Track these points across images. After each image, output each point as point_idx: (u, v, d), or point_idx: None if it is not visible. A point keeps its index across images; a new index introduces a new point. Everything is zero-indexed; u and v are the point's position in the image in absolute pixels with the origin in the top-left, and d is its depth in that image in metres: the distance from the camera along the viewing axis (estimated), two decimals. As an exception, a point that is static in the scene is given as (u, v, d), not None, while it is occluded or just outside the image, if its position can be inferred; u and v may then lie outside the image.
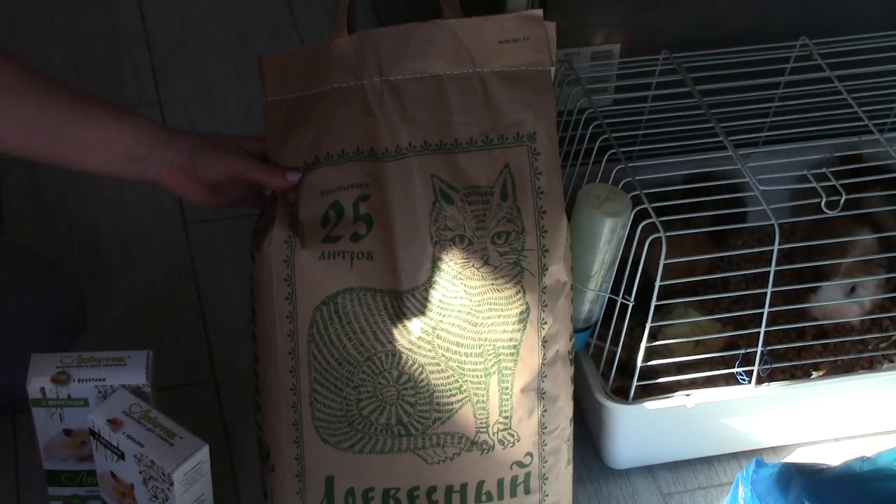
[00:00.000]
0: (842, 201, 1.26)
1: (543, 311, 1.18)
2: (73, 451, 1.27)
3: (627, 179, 1.29)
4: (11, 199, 1.69)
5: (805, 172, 1.31)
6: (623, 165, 1.33)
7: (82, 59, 1.92)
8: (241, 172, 1.18)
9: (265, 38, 1.99)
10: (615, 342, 1.32)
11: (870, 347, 1.45)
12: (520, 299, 1.17)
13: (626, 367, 1.33)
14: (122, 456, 1.20)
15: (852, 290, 1.41)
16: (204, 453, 1.20)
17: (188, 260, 1.63)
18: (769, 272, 1.29)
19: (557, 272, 1.17)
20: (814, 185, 1.28)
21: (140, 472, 1.20)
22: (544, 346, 1.18)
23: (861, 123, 1.42)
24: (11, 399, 1.40)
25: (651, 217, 1.26)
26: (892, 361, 1.44)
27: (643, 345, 1.29)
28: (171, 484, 1.17)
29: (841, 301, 1.40)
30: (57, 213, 1.68)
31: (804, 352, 1.46)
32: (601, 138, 1.36)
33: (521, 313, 1.17)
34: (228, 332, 1.53)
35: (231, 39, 1.99)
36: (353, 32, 1.18)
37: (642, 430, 1.35)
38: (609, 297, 1.32)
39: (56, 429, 1.25)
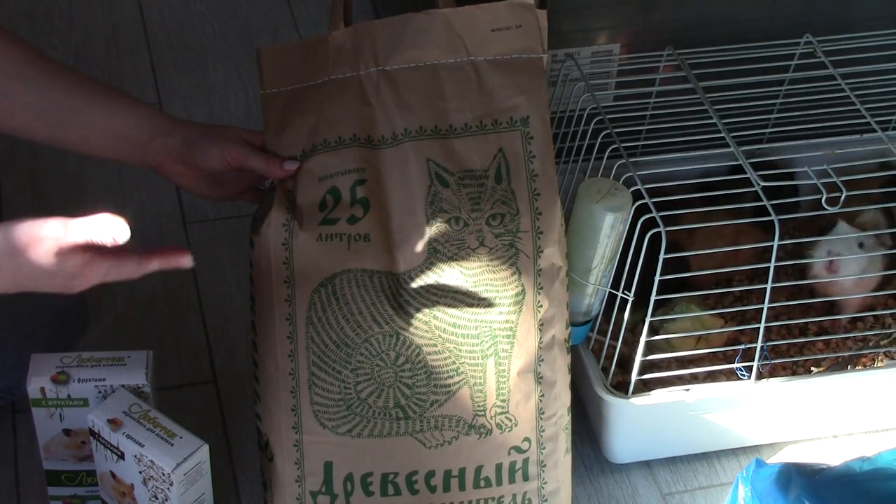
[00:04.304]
0: (842, 198, 1.26)
1: (539, 293, 1.18)
2: (73, 451, 1.27)
3: (629, 174, 1.29)
4: (11, 199, 1.69)
5: (806, 169, 1.30)
6: (624, 161, 1.33)
7: (82, 59, 1.92)
8: (240, 161, 1.19)
9: (265, 38, 1.99)
10: (615, 337, 1.32)
11: (870, 344, 1.45)
12: (515, 281, 1.18)
13: (627, 361, 1.33)
14: (121, 456, 1.20)
15: (838, 253, 1.40)
16: (204, 453, 1.19)
17: (188, 260, 1.63)
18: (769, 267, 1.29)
19: (552, 255, 1.18)
20: (815, 181, 1.27)
21: (140, 472, 1.20)
22: (541, 330, 1.19)
23: (864, 121, 1.42)
24: (11, 399, 1.39)
25: (663, 211, 1.26)
26: (892, 358, 1.44)
27: (643, 339, 1.29)
28: (171, 484, 1.17)
29: (841, 257, 1.39)
30: (57, 213, 1.67)
31: (805, 348, 1.46)
32: (603, 134, 1.37)
33: (517, 295, 1.18)
34: (228, 332, 1.53)
35: (231, 39, 1.99)
36: (349, 25, 1.20)
37: (642, 424, 1.35)
38: (613, 292, 1.32)
39: (56, 429, 1.25)
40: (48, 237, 1.02)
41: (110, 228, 1.02)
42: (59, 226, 1.03)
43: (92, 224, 1.02)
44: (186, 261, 1.08)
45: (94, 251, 1.04)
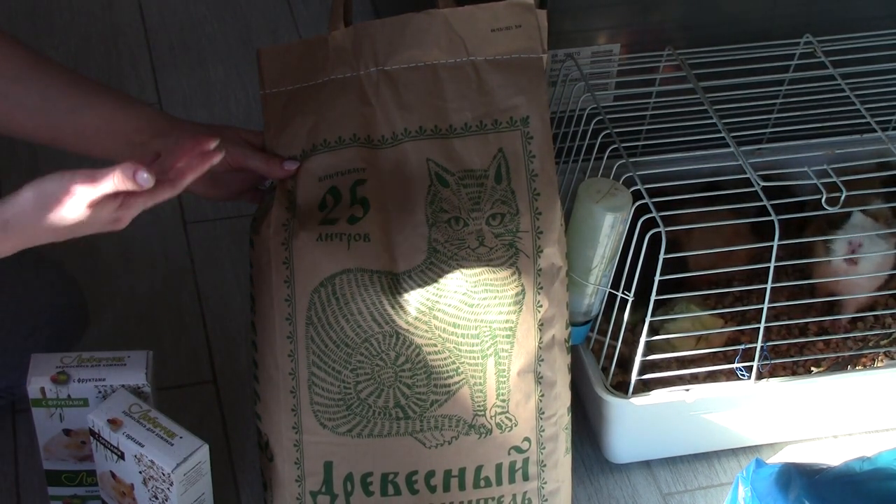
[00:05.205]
0: (842, 198, 1.26)
1: (539, 293, 1.18)
2: (73, 451, 1.27)
3: (629, 174, 1.29)
4: (11, 200, 1.69)
5: (806, 169, 1.30)
6: (624, 161, 1.33)
7: (82, 59, 1.92)
8: (241, 162, 1.19)
9: (265, 38, 1.99)
10: (615, 337, 1.33)
11: (870, 344, 1.45)
12: (515, 281, 1.18)
13: (627, 361, 1.33)
14: (122, 456, 1.20)
15: (860, 245, 1.39)
16: (204, 453, 1.19)
17: (188, 260, 1.63)
18: (769, 268, 1.29)
19: (552, 255, 1.18)
20: (814, 181, 1.27)
21: (140, 472, 1.20)
22: (540, 329, 1.19)
23: (864, 121, 1.42)
24: (11, 399, 1.39)
25: (665, 212, 1.27)
26: (892, 358, 1.44)
27: (643, 339, 1.29)
28: (171, 484, 1.17)
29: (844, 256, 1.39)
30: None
31: (805, 348, 1.46)
32: (603, 134, 1.37)
33: (517, 295, 1.18)
34: (228, 332, 1.53)
35: (231, 39, 1.99)
36: (349, 25, 1.20)
37: (642, 424, 1.35)
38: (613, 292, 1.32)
39: (56, 429, 1.25)
40: (78, 191, 1.04)
41: (134, 178, 1.04)
42: (88, 180, 1.04)
43: (118, 175, 1.04)
44: (214, 145, 1.09)
45: (126, 192, 1.06)
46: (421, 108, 1.19)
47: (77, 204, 1.04)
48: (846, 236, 1.39)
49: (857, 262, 1.39)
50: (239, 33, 2.00)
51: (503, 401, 1.21)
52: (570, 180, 1.44)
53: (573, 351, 1.32)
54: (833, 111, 1.47)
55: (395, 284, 1.17)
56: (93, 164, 1.71)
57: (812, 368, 1.43)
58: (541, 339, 1.20)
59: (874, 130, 1.42)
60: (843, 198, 1.26)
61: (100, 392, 1.22)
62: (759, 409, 1.38)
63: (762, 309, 1.31)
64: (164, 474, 1.17)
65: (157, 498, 1.21)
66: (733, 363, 1.37)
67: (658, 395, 1.33)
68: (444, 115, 1.19)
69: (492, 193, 1.18)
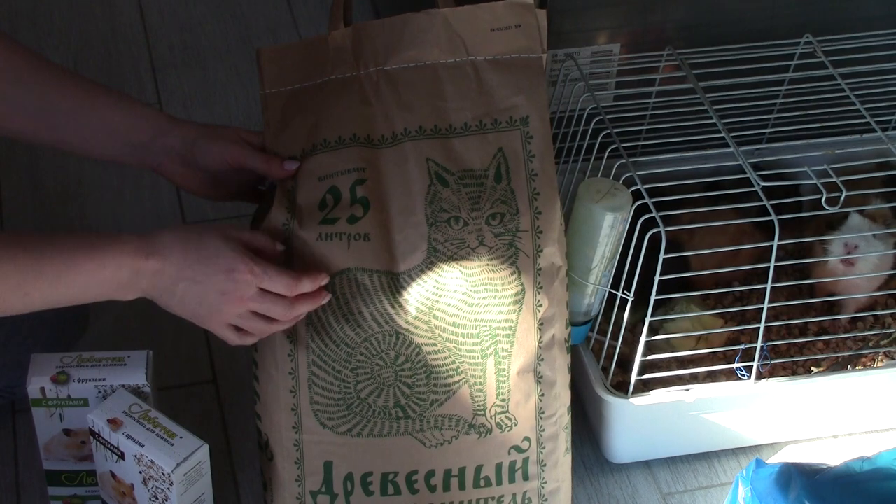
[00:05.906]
0: (842, 198, 1.26)
1: (539, 293, 1.18)
2: (73, 451, 1.27)
3: (629, 174, 1.29)
4: (11, 199, 1.69)
5: (806, 169, 1.30)
6: (624, 161, 1.34)
7: (82, 59, 1.92)
8: (241, 161, 1.19)
9: (265, 37, 1.99)
10: (615, 337, 1.33)
11: (870, 344, 1.45)
12: (515, 280, 1.18)
13: (627, 361, 1.33)
14: (121, 456, 1.20)
15: (856, 247, 1.39)
16: (204, 453, 1.19)
17: (188, 260, 1.62)
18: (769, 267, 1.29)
19: (552, 255, 1.18)
20: (814, 181, 1.27)
21: (140, 472, 1.20)
22: (540, 329, 1.19)
23: (864, 121, 1.42)
24: (11, 399, 1.39)
25: (665, 212, 1.27)
26: (892, 358, 1.44)
27: (643, 339, 1.29)
28: (171, 484, 1.17)
29: (840, 256, 1.39)
30: (57, 213, 1.67)
31: (805, 348, 1.46)
32: (603, 134, 1.37)
33: (517, 294, 1.18)
34: (228, 331, 1.53)
35: (231, 39, 1.99)
36: (349, 25, 1.20)
37: (642, 424, 1.35)
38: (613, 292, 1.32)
39: (56, 429, 1.25)
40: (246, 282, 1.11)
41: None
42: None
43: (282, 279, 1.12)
44: (327, 298, 1.16)
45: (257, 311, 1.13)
46: (421, 108, 1.19)
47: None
48: (842, 237, 1.39)
49: (853, 263, 1.39)
50: (239, 33, 2.00)
51: (503, 400, 1.21)
52: (570, 180, 1.44)
53: (573, 351, 1.32)
54: (833, 111, 1.47)
55: (394, 284, 1.17)
56: (92, 165, 1.72)
57: (812, 368, 1.43)
58: (541, 338, 1.20)
59: (874, 130, 1.42)
60: (842, 198, 1.26)
61: (100, 392, 1.22)
62: (759, 409, 1.38)
63: (762, 309, 1.31)
64: (164, 474, 1.17)
65: (157, 498, 1.21)
66: (733, 363, 1.37)
67: (658, 395, 1.33)
68: (444, 115, 1.19)
69: (491, 193, 1.18)
